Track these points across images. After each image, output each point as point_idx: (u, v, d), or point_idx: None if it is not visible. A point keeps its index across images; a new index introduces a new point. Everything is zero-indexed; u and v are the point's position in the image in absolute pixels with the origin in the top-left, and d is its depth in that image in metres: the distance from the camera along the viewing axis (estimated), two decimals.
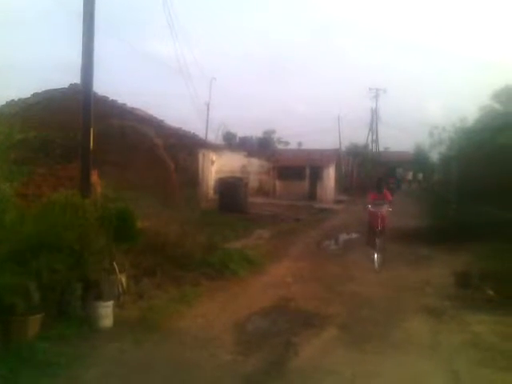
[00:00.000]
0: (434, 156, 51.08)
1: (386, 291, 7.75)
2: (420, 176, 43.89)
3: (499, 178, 20.31)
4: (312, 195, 29.16)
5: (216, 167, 24.15)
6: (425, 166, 50.63)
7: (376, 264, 9.69)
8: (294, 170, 30.18)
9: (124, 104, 17.23)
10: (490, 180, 21.46)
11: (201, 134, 29.86)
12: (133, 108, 17.51)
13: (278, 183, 30.58)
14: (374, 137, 52.01)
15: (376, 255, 9.85)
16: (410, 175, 43.57)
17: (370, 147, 53.64)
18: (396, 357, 5.07)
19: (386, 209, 10.33)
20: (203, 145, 22.53)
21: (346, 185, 39.63)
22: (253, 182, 28.67)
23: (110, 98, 16.71)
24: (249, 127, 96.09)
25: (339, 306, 6.99)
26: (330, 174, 31.57)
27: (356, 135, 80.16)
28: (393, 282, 8.37)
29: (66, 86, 15.74)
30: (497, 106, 38.42)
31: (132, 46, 78.16)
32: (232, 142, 47.39)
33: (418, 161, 54.06)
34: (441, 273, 9.09)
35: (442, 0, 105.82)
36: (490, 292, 7.62)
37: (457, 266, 9.38)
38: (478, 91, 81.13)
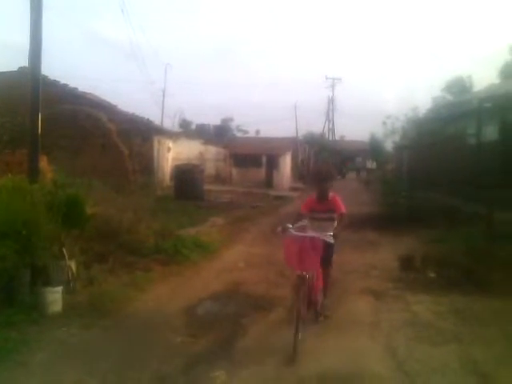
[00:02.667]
0: (389, 145, 52.58)
1: (333, 274, 8.00)
2: (374, 164, 44.96)
3: (447, 166, 21.14)
4: (268, 183, 29.47)
5: (172, 154, 23.99)
6: (379, 154, 51.94)
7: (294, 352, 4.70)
8: (251, 157, 30.41)
9: (76, 88, 16.90)
10: (437, 168, 22.30)
11: (157, 120, 29.64)
12: (85, 92, 17.21)
13: (234, 170, 30.75)
14: (331, 125, 52.98)
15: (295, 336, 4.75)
16: (368, 163, 44.59)
17: (327, 136, 54.62)
18: (338, 335, 5.31)
19: (330, 233, 5.10)
20: (159, 131, 22.35)
21: (302, 173, 40.17)
22: (210, 169, 28.72)
23: (62, 82, 16.35)
24: (206, 114, 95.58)
25: (288, 289, 7.17)
26: (287, 162, 31.95)
27: (313, 124, 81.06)
28: (340, 266, 8.60)
29: (15, 69, 15.29)
30: (448, 96, 39.76)
31: (85, 29, 76.00)
32: (189, 129, 47.13)
33: (372, 150, 55.40)
34: (386, 257, 9.46)
35: None
36: (432, 274, 8.03)
37: (402, 250, 9.76)
38: (431, 82, 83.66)
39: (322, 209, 5.62)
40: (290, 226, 5.21)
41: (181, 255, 8.88)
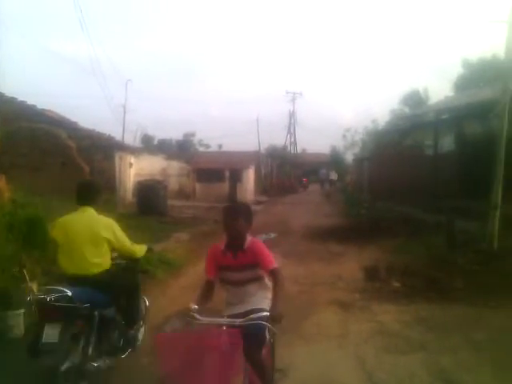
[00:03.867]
0: (349, 157, 53.62)
1: (300, 287, 8.06)
2: (336, 176, 45.56)
3: (407, 177, 21.67)
4: (232, 197, 29.38)
5: (134, 170, 23.66)
6: (340, 166, 52.85)
7: None
8: (214, 172, 30.33)
9: (34, 105, 16.54)
10: (398, 179, 22.82)
11: (117, 136, 29.30)
12: (44, 109, 16.85)
13: (198, 186, 30.55)
14: (292, 139, 53.59)
15: None
16: (332, 175, 45.01)
17: (289, 149, 55.20)
18: (307, 348, 5.33)
19: (265, 312, 3.16)
20: (120, 147, 22.08)
21: (265, 186, 40.39)
22: (173, 184, 28.46)
23: (19, 99, 15.99)
24: (169, 130, 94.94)
25: None
26: (250, 176, 32.02)
27: (275, 137, 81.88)
28: (307, 278, 8.72)
29: None
30: (406, 109, 41.04)
31: (43, 45, 74.71)
32: (151, 145, 46.74)
33: (333, 162, 56.35)
34: (352, 268, 9.55)
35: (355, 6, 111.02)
36: (396, 284, 8.16)
37: (367, 260, 9.90)
38: (389, 94, 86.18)
39: (237, 265, 3.50)
40: (194, 306, 3.15)
41: (146, 273, 8.71)
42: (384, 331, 5.93)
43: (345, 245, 11.97)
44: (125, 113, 40.11)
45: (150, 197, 18.41)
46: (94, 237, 4.34)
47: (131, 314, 4.90)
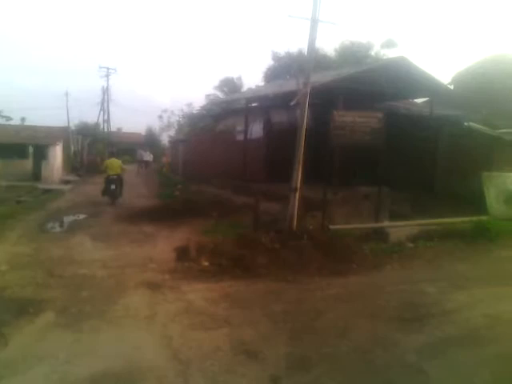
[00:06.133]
0: (165, 138, 53.53)
1: (109, 270, 7.80)
2: (151, 157, 44.89)
3: (219, 160, 22.50)
4: (36, 175, 27.19)
5: None
6: (156, 147, 52.44)
7: None
8: (15, 147, 27.56)
9: None
10: (211, 162, 23.58)
11: None
12: None
13: None
14: (106, 116, 51.09)
15: None
16: (147, 156, 43.89)
17: (102, 127, 52.64)
18: (113, 332, 5.19)
19: None
20: None
21: (75, 164, 38.17)
22: None
23: None
24: None
25: (59, 289, 6.74)
26: (58, 153, 29.90)
27: (87, 114, 77.41)
28: (117, 261, 8.47)
29: None
30: (220, 94, 42.45)
31: None
32: None
33: (149, 142, 55.65)
34: (164, 249, 9.54)
35: None
36: (205, 263, 8.40)
37: (178, 241, 9.97)
38: (206, 79, 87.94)
39: None
40: None
41: None
42: (191, 309, 6.06)
43: (158, 226, 11.93)
44: None
45: None
46: (118, 165, 17.82)
47: (121, 186, 17.65)
